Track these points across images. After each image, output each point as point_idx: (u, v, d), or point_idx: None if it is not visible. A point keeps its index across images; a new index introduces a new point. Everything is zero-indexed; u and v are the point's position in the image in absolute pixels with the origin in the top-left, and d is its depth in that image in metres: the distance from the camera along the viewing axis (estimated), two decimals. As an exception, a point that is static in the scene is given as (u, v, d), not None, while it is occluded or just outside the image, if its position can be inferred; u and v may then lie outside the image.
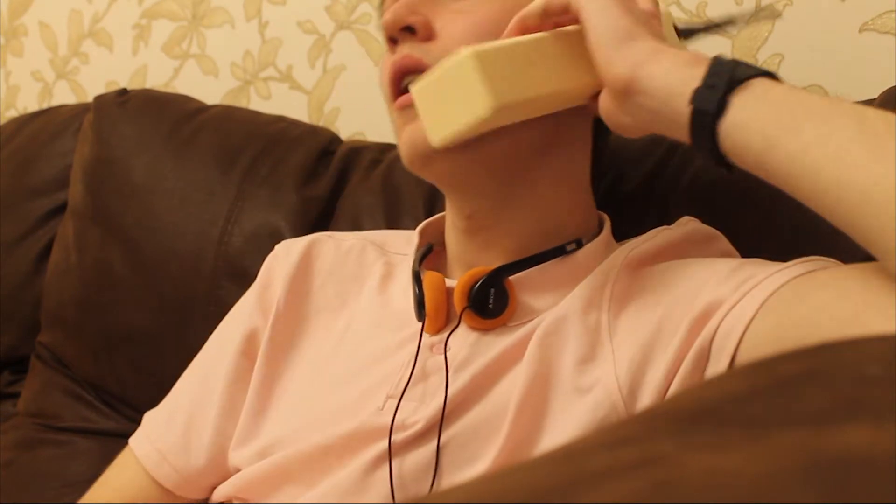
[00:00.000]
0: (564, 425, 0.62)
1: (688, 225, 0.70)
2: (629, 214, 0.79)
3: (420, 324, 0.69)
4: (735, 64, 0.54)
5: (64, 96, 1.59)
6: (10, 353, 1.23)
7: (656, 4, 0.64)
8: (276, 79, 1.33)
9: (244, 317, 0.79)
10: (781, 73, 0.56)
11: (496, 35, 0.64)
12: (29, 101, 1.64)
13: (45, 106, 1.56)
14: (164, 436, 0.78)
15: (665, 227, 0.70)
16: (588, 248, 0.69)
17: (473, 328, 0.68)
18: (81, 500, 0.81)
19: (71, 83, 1.58)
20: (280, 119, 1.15)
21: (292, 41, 1.32)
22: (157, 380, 0.85)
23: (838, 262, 0.59)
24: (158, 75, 1.46)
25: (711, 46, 0.90)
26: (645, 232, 0.70)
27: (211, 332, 0.83)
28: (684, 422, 0.27)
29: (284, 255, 0.80)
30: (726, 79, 0.53)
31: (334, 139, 1.13)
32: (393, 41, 0.69)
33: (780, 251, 0.63)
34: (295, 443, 0.69)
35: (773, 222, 0.77)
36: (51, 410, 1.13)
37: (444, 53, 0.64)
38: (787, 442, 0.24)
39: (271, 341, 0.76)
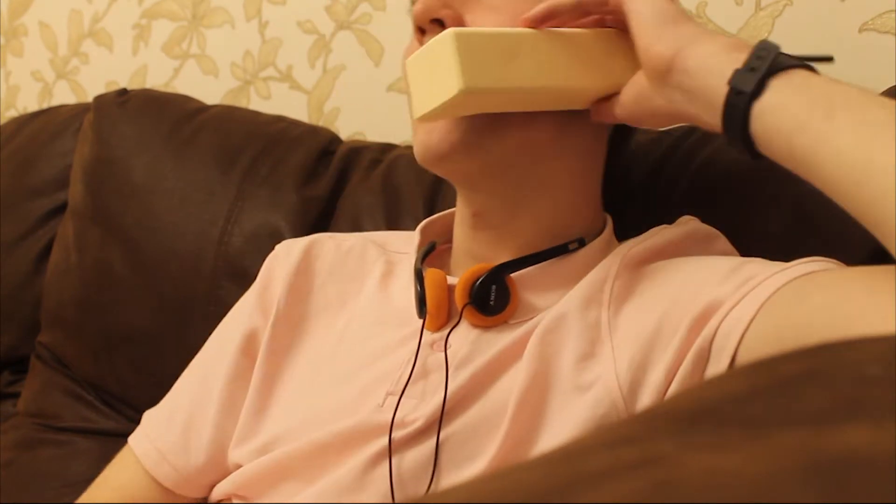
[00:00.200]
0: (564, 423, 0.62)
1: (688, 224, 0.70)
2: (630, 213, 0.79)
3: (421, 321, 0.69)
4: (778, 52, 0.55)
5: (64, 96, 1.59)
6: (10, 353, 1.23)
7: None
8: (276, 79, 1.33)
9: (244, 317, 0.79)
10: (781, 73, 0.56)
11: None
12: (29, 101, 1.64)
13: (45, 106, 1.56)
14: (163, 435, 0.78)
15: (665, 225, 0.70)
16: (590, 248, 0.69)
17: (475, 325, 0.68)
18: (80, 499, 0.81)
19: (71, 83, 1.58)
20: (280, 119, 1.15)
21: (292, 41, 1.32)
22: (157, 380, 0.85)
23: (839, 263, 0.59)
24: (158, 75, 1.46)
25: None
26: (645, 230, 0.70)
27: (211, 332, 0.83)
28: (684, 422, 0.27)
29: (285, 256, 0.80)
30: (768, 63, 0.54)
31: (334, 139, 1.13)
32: (421, 31, 0.69)
33: (780, 251, 0.63)
34: (294, 439, 0.69)
35: (773, 222, 0.77)
36: (51, 410, 1.13)
37: None
38: (787, 442, 0.24)
39: (272, 341, 0.76)
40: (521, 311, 0.68)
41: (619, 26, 0.64)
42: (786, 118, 0.52)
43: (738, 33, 0.96)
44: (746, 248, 0.69)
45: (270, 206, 1.04)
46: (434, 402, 0.64)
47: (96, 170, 1.15)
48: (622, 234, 0.73)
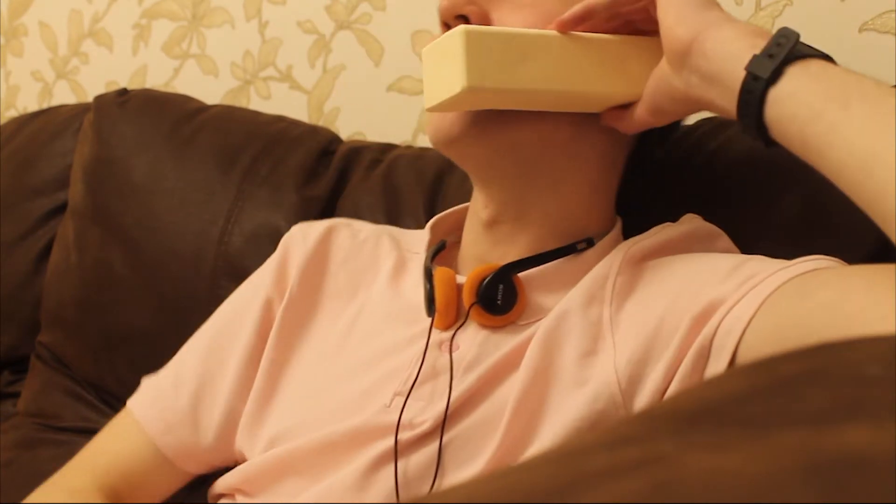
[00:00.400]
0: (562, 417, 0.62)
1: (691, 222, 0.70)
2: (633, 211, 0.79)
3: (430, 319, 0.69)
4: (798, 40, 0.55)
5: (64, 96, 1.59)
6: (10, 352, 1.23)
7: None
8: (276, 79, 1.33)
9: (261, 295, 0.78)
10: (782, 73, 0.56)
11: None
12: (29, 101, 1.64)
13: (45, 106, 1.56)
14: (171, 404, 0.77)
15: (668, 223, 0.70)
16: (598, 248, 0.69)
17: (483, 325, 0.68)
18: (71, 464, 0.80)
19: (71, 83, 1.58)
20: (280, 119, 1.15)
21: (292, 41, 1.32)
22: (158, 380, 0.85)
23: (841, 261, 0.59)
24: (158, 75, 1.46)
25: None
26: (648, 229, 0.70)
27: (217, 310, 0.82)
28: (684, 422, 0.27)
29: (302, 239, 0.80)
30: (786, 51, 0.54)
31: (334, 139, 1.13)
32: (447, 26, 0.69)
33: (781, 251, 0.63)
34: (300, 435, 0.69)
35: (775, 221, 0.77)
36: (51, 410, 1.13)
37: None
38: (787, 442, 0.24)
39: (282, 324, 0.76)
40: (530, 311, 0.68)
41: (650, 27, 0.64)
42: (801, 106, 0.52)
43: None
44: (747, 247, 0.69)
45: (270, 206, 1.04)
46: (441, 405, 0.64)
47: (96, 170, 1.15)
48: (624, 233, 0.73)
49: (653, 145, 0.76)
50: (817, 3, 0.92)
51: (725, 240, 0.70)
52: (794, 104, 0.53)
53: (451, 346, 0.67)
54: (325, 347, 0.75)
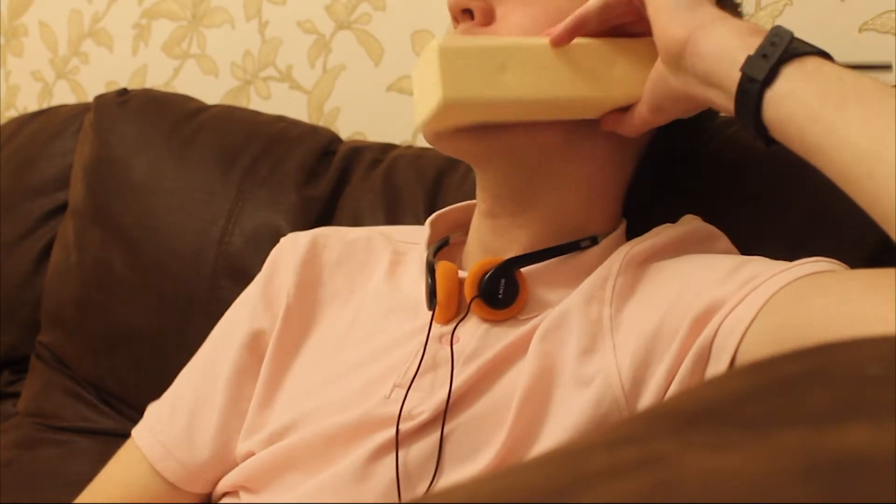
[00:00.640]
0: (565, 417, 0.62)
1: (690, 223, 0.70)
2: (635, 211, 0.79)
3: (430, 313, 0.69)
4: (792, 38, 0.54)
5: (64, 96, 1.59)
6: (10, 352, 1.23)
7: None
8: (276, 79, 1.33)
9: (248, 314, 0.78)
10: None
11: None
12: (29, 101, 1.64)
13: (45, 106, 1.56)
14: (167, 429, 0.77)
15: (668, 224, 0.70)
16: (601, 246, 0.69)
17: (484, 319, 0.68)
18: (84, 495, 0.81)
19: (71, 83, 1.58)
20: (280, 119, 1.15)
21: (292, 41, 1.32)
22: (158, 379, 0.85)
23: (841, 264, 0.59)
24: (158, 75, 1.46)
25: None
26: (649, 229, 0.70)
27: (211, 332, 0.83)
28: (684, 422, 0.27)
29: (291, 247, 0.80)
30: (781, 50, 0.53)
31: (334, 139, 1.13)
32: (457, 21, 0.69)
33: (782, 251, 0.63)
34: (301, 429, 0.69)
35: (775, 222, 0.77)
36: (51, 410, 1.13)
37: None
38: (787, 442, 0.24)
39: (282, 334, 0.76)
40: (531, 306, 0.68)
41: (641, 29, 0.64)
42: (798, 107, 0.52)
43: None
44: (748, 247, 0.69)
45: (271, 206, 1.04)
46: (440, 396, 0.65)
47: (96, 170, 1.15)
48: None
49: (676, 140, 0.74)
50: (817, 3, 0.92)
51: (725, 241, 0.70)
52: (791, 105, 0.53)
53: (451, 338, 0.67)
54: (326, 347, 0.75)
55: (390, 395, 0.67)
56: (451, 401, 0.64)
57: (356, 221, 1.01)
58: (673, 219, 0.71)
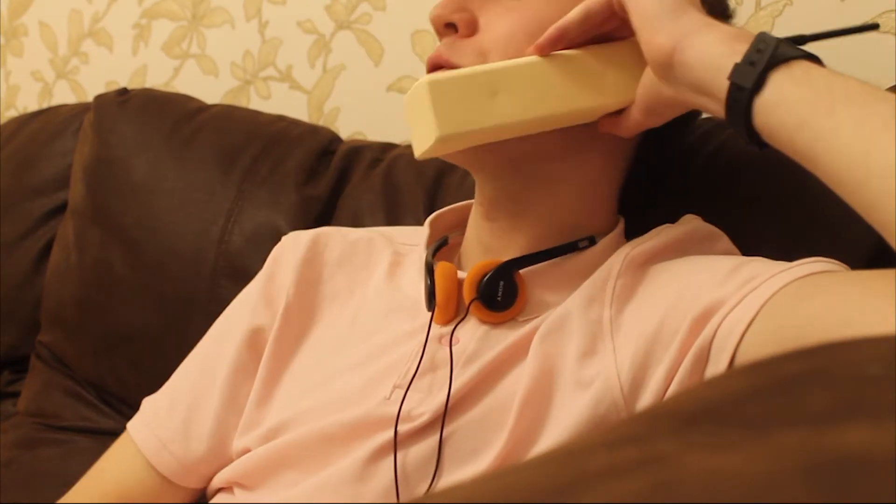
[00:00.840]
0: (565, 419, 0.62)
1: (690, 223, 0.70)
2: (634, 210, 0.79)
3: (430, 314, 0.69)
4: (778, 43, 0.54)
5: (64, 96, 1.59)
6: (10, 352, 1.23)
7: None
8: (276, 78, 1.33)
9: (248, 311, 0.78)
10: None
11: (538, 37, 0.64)
12: (29, 101, 1.64)
13: (45, 106, 1.56)
14: (164, 423, 0.77)
15: (668, 224, 0.70)
16: (600, 246, 0.69)
17: (483, 321, 0.68)
18: (76, 487, 0.81)
19: (71, 83, 1.58)
20: (280, 119, 1.15)
21: (292, 41, 1.32)
22: (158, 379, 0.85)
23: (841, 264, 0.59)
24: (158, 75, 1.46)
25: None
26: (649, 229, 0.70)
27: (211, 328, 0.82)
28: (684, 422, 0.27)
29: (292, 246, 0.80)
30: (767, 56, 0.53)
31: (334, 139, 1.13)
32: (440, 34, 0.69)
33: (783, 251, 0.63)
34: (299, 427, 0.69)
35: (777, 221, 0.77)
36: (51, 410, 1.13)
37: (477, 51, 0.66)
38: (787, 442, 0.24)
39: (281, 332, 0.76)
40: (531, 307, 0.68)
41: (626, 33, 0.64)
42: (787, 114, 0.52)
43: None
44: (748, 248, 0.69)
45: (271, 206, 1.04)
46: (440, 397, 0.65)
47: (96, 170, 1.15)
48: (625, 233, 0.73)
49: (664, 140, 0.75)
50: (817, 3, 0.92)
51: (725, 240, 0.70)
52: (781, 112, 0.52)
53: (450, 339, 0.67)
54: (325, 347, 0.75)
55: (390, 395, 0.67)
56: (451, 402, 0.64)
57: (356, 221, 1.01)
58: (673, 219, 0.71)
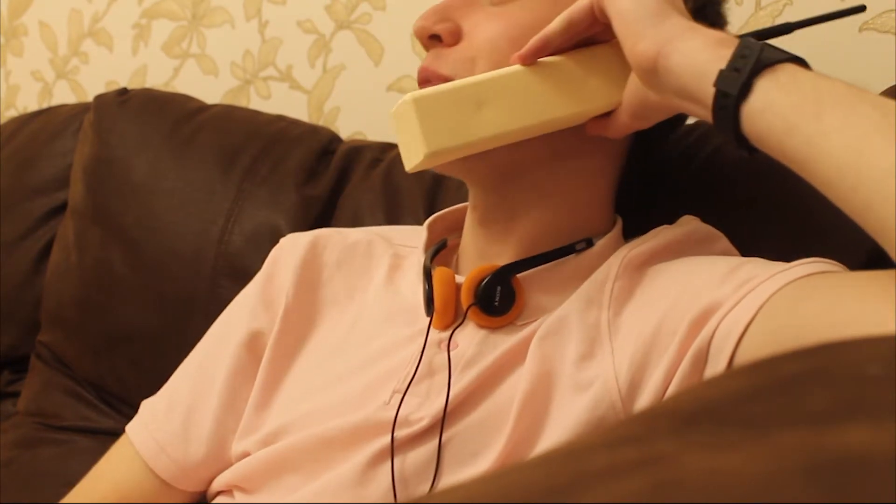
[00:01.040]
0: (564, 422, 0.62)
1: (689, 224, 0.70)
2: (632, 211, 0.79)
3: (428, 319, 0.69)
4: (763, 47, 0.53)
5: (64, 96, 1.59)
6: (10, 352, 1.23)
7: None
8: (276, 78, 1.33)
9: (246, 313, 0.78)
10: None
11: (523, 44, 0.64)
12: (29, 101, 1.64)
13: (45, 106, 1.56)
14: (162, 426, 0.77)
15: (666, 226, 0.70)
16: (597, 248, 0.69)
17: (481, 326, 0.68)
18: (75, 490, 0.80)
19: (71, 83, 1.58)
20: (280, 119, 1.15)
21: (292, 41, 1.32)
22: (158, 379, 0.85)
23: (838, 264, 0.59)
24: (158, 75, 1.46)
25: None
26: (647, 229, 0.70)
27: (209, 330, 0.82)
28: (684, 422, 0.27)
29: (291, 248, 0.80)
30: (752, 62, 0.52)
31: (334, 138, 1.13)
32: (426, 46, 0.69)
33: (781, 252, 0.63)
34: (298, 431, 0.69)
35: (774, 223, 0.77)
36: (51, 410, 1.13)
37: (463, 58, 0.66)
38: (787, 442, 0.24)
39: (280, 335, 0.76)
40: (529, 311, 0.68)
41: (610, 37, 0.63)
42: (775, 120, 0.51)
43: (738, 32, 0.96)
44: (747, 248, 0.69)
45: (270, 206, 1.04)
46: (439, 402, 0.64)
47: (96, 169, 1.15)
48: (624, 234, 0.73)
49: (653, 141, 0.74)
50: (817, 3, 0.92)
51: (724, 241, 0.70)
52: (768, 118, 0.52)
53: (449, 344, 0.67)
54: (325, 350, 0.75)
55: (389, 400, 0.67)
56: (449, 407, 0.64)
57: (356, 220, 1.01)
58: (670, 221, 0.71)
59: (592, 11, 0.61)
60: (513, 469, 0.27)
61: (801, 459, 0.23)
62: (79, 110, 1.27)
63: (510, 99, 0.63)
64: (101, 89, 1.48)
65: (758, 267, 0.60)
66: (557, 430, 0.62)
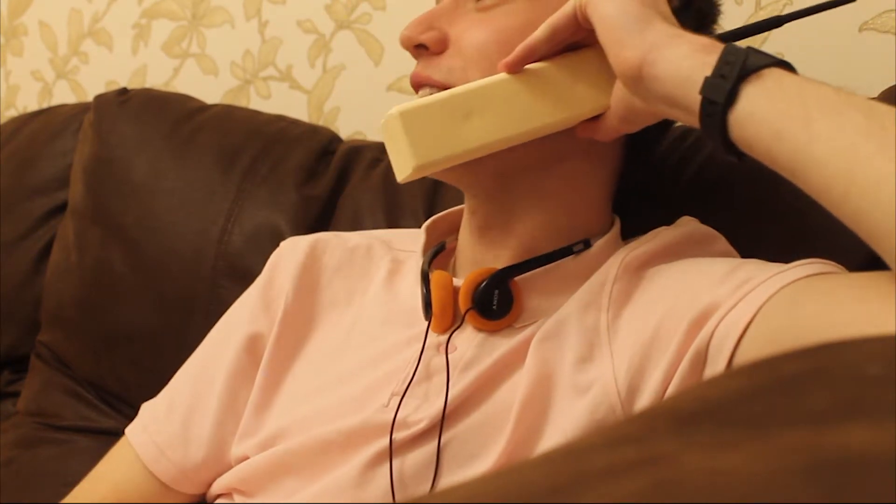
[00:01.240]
0: (563, 425, 0.62)
1: (687, 225, 0.70)
2: (630, 212, 0.79)
3: (427, 322, 0.69)
4: (748, 53, 0.53)
5: (64, 96, 1.59)
6: (10, 352, 1.23)
7: None
8: (276, 78, 1.33)
9: (246, 317, 0.78)
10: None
11: (510, 49, 0.64)
12: (29, 101, 1.64)
13: (45, 106, 1.56)
14: (162, 428, 0.77)
15: (665, 227, 0.69)
16: (595, 249, 0.69)
17: (479, 329, 0.68)
18: (74, 492, 0.80)
19: (71, 83, 1.58)
20: (280, 118, 1.15)
21: (292, 41, 1.32)
22: (158, 379, 0.85)
23: (837, 265, 0.59)
24: (158, 75, 1.46)
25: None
26: (646, 231, 0.70)
27: (209, 332, 0.82)
28: (684, 422, 0.27)
29: (290, 252, 0.80)
30: (738, 68, 0.52)
31: (334, 138, 1.13)
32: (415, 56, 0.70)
33: (779, 253, 0.63)
34: (298, 435, 0.69)
35: (773, 224, 0.77)
36: (51, 409, 1.13)
37: (451, 65, 0.66)
38: (787, 442, 0.24)
39: (279, 338, 0.76)
40: (527, 314, 0.68)
41: (594, 41, 0.62)
42: (762, 126, 0.51)
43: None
44: (746, 249, 0.69)
45: (270, 206, 1.04)
46: (438, 404, 0.64)
47: (96, 169, 1.15)
48: (622, 234, 0.73)
49: (644, 143, 0.74)
50: (817, 3, 0.92)
51: (723, 242, 0.69)
52: (756, 124, 0.51)
53: (447, 347, 0.67)
54: (324, 354, 0.75)
55: (388, 402, 0.67)
56: (448, 409, 0.64)
57: (356, 220, 1.01)
58: (669, 221, 0.71)
59: (576, 18, 0.61)
60: (513, 469, 0.27)
61: (801, 459, 0.23)
62: (79, 110, 1.27)
63: (497, 108, 0.63)
64: (101, 89, 1.48)
65: (757, 268, 0.60)
66: (557, 433, 0.62)
